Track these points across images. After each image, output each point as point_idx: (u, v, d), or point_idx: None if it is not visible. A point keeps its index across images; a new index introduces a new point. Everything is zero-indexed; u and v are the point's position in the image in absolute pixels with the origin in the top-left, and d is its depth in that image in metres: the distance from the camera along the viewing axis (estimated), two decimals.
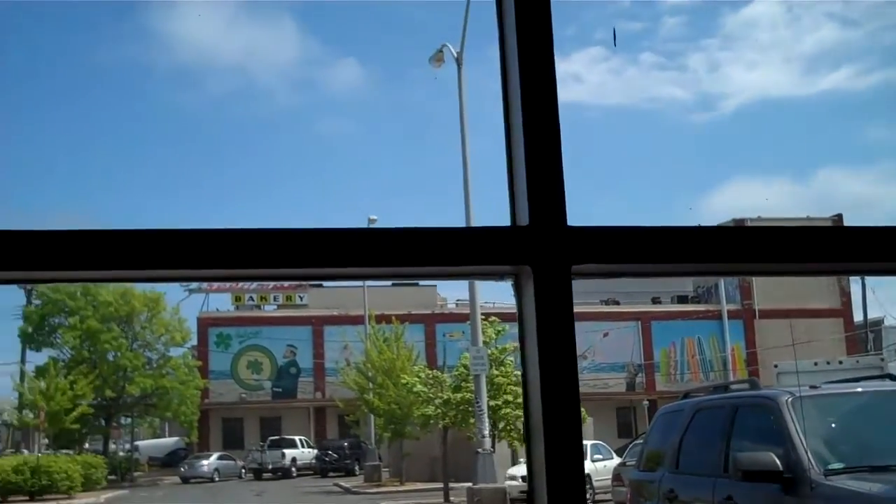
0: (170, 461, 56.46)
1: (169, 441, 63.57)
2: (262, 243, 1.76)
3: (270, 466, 48.56)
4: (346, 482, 41.07)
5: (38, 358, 51.89)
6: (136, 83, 63.33)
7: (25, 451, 48.55)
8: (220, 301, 62.14)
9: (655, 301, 60.32)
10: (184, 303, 55.40)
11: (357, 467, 45.81)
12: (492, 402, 26.29)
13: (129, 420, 56.58)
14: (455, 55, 26.00)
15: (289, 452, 49.22)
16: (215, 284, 51.78)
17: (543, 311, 1.83)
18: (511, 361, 28.70)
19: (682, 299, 61.60)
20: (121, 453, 55.28)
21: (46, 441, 47.45)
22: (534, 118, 1.89)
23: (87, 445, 53.80)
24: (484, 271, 1.96)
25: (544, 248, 1.83)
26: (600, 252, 1.88)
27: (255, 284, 54.48)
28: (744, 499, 8.92)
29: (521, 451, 31.16)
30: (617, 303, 58.27)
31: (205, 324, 59.30)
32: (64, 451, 46.17)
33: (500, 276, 2.01)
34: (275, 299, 61.48)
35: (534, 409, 1.83)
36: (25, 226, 1.76)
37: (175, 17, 63.12)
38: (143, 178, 64.56)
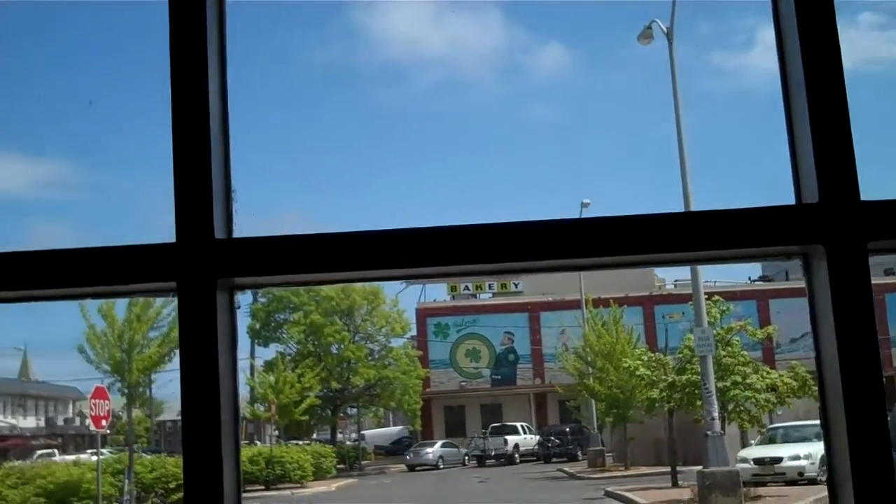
0: (395, 449, 57.70)
1: (393, 430, 65.02)
2: (486, 238, 1.75)
3: (493, 453, 49.01)
4: (569, 468, 41.03)
5: (266, 353, 54.17)
6: (345, 82, 64.93)
7: (258, 443, 50.61)
8: (437, 291, 63.18)
9: (889, 273, 57.53)
10: (401, 294, 56.56)
11: (580, 452, 45.67)
12: (719, 384, 25.68)
13: (354, 410, 58.17)
14: (665, 30, 25.46)
15: (511, 439, 49.53)
16: None
17: (839, 290, 1.75)
18: (738, 341, 27.96)
19: None
20: (348, 443, 56.86)
21: (276, 432, 49.26)
22: (818, 90, 1.81)
23: (315, 435, 55.68)
24: (769, 252, 1.89)
25: (838, 226, 1.75)
26: None
27: None
28: None
29: (752, 433, 30.37)
30: None
31: (423, 314, 60.39)
32: (294, 441, 47.86)
33: (786, 257, 1.93)
34: (490, 287, 61.99)
35: (831, 390, 1.77)
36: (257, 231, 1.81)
37: (379, 14, 64.30)
38: (356, 176, 66.23)
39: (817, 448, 27.16)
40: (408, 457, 50.02)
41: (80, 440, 70.93)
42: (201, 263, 1.76)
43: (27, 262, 1.81)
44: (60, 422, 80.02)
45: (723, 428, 24.56)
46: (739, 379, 26.86)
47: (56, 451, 59.47)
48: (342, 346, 53.19)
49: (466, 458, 50.50)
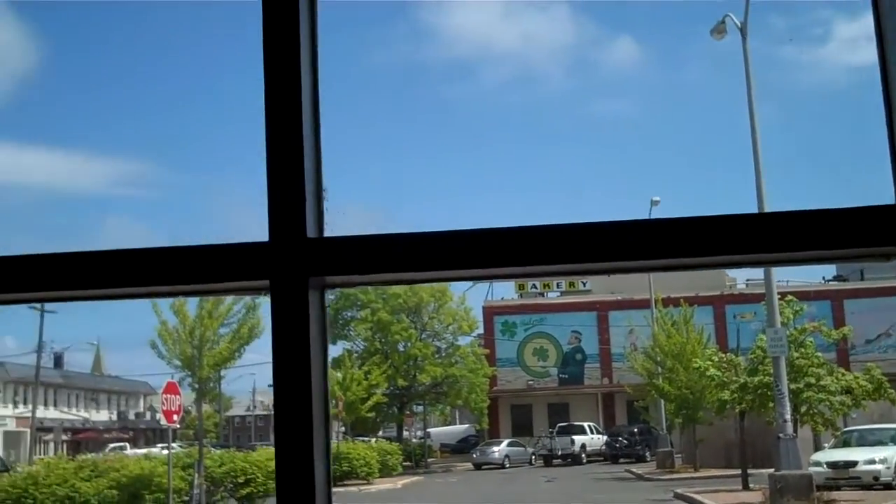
0: (461, 448, 57.75)
1: (459, 428, 65.09)
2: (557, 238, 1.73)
3: (560, 453, 48.81)
4: (637, 468, 40.76)
5: (333, 350, 54.41)
6: (414, 80, 65.07)
7: None
8: (504, 289, 63.12)
9: None
10: (469, 292, 56.55)
11: (648, 453, 45.34)
12: (792, 386, 25.37)
13: (421, 408, 58.31)
14: (738, 25, 25.23)
15: (578, 439, 49.29)
16: None
17: None
18: (812, 342, 27.59)
19: None
20: (413, 440, 56.99)
21: (343, 429, 49.56)
22: None
23: (381, 433, 55.93)
24: (864, 253, 1.83)
25: None
26: None
27: None
28: None
29: (825, 436, 29.90)
30: None
31: (490, 312, 60.38)
32: (360, 438, 48.10)
33: (884, 258, 1.87)
34: (557, 286, 61.80)
35: None
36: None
37: (447, 12, 64.37)
38: (424, 173, 66.38)
39: (893, 452, 26.71)
40: (474, 455, 50.03)
41: (151, 434, 72.08)
42: (294, 262, 1.78)
43: (124, 261, 1.82)
44: (132, 416, 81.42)
45: (795, 430, 24.27)
46: (813, 381, 26.52)
47: (127, 444, 60.52)
48: (409, 343, 53.36)
49: (533, 457, 50.36)
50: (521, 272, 1.83)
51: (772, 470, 23.07)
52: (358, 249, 1.79)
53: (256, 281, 1.80)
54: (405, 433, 57.82)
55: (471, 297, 61.59)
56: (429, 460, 52.33)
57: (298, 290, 1.77)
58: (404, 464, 47.06)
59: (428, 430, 58.92)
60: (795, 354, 26.57)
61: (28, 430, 58.17)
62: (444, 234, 1.77)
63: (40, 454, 55.60)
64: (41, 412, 62.00)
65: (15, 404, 67.59)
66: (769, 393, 25.63)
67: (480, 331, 58.38)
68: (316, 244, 1.80)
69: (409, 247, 1.78)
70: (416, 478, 43.67)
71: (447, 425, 68.60)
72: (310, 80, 1.88)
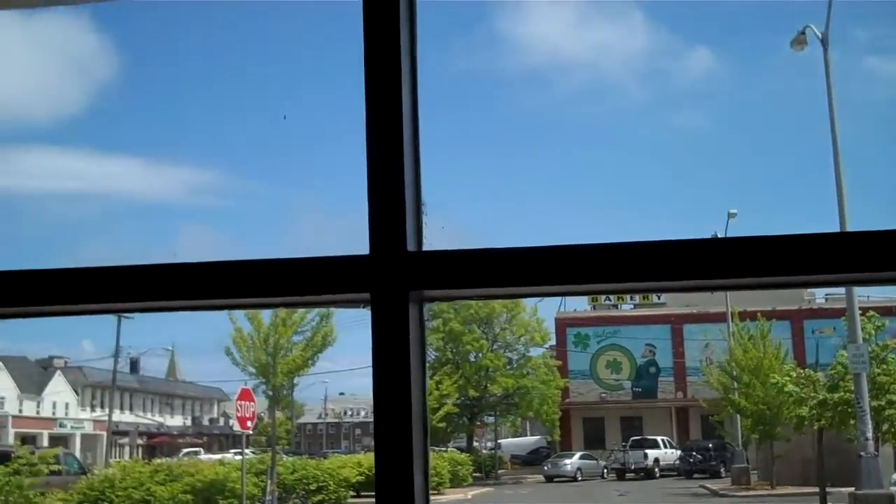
0: (531, 459, 57.54)
1: (530, 440, 64.90)
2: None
3: (633, 467, 48.37)
4: (712, 484, 40.20)
5: None
6: (488, 88, 65.08)
7: None
8: (577, 301, 62.82)
9: None
10: (541, 303, 56.33)
11: (723, 469, 44.71)
12: (874, 403, 24.92)
13: (491, 419, 58.22)
14: (819, 36, 24.81)
15: (651, 453, 48.82)
16: None
17: None
18: (894, 359, 27.07)
19: None
20: (484, 451, 56.92)
21: None
22: None
23: (451, 443, 55.95)
24: None
25: None
26: None
27: None
28: None
29: None
30: None
31: (563, 324, 60.18)
32: (431, 448, 48.13)
33: None
34: (631, 298, 61.38)
35: None
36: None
37: (523, 20, 64.27)
38: (498, 184, 66.29)
39: None
40: (546, 468, 49.75)
41: (224, 440, 72.89)
42: (394, 276, 1.78)
43: (229, 273, 1.83)
44: (206, 421, 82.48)
45: (876, 448, 23.81)
46: (895, 398, 26.04)
47: (201, 449, 61.28)
48: (480, 354, 53.32)
49: (605, 471, 49.95)
50: (622, 288, 1.81)
51: (851, 488, 22.66)
52: (457, 264, 1.79)
53: (357, 294, 1.81)
54: (475, 444, 57.76)
55: (543, 308, 61.30)
56: (499, 472, 52.21)
57: (399, 303, 1.77)
58: (474, 475, 47.01)
59: (498, 441, 58.82)
60: (877, 371, 26.12)
61: (104, 434, 59.22)
62: (543, 250, 1.76)
63: (116, 457, 56.56)
64: (117, 416, 63.12)
65: (92, 408, 69.00)
66: (850, 410, 25.19)
67: (553, 342, 58.12)
68: (416, 258, 1.80)
69: (509, 262, 1.77)
70: (486, 489, 43.61)
71: (518, 437, 68.39)
72: (409, 88, 1.88)
